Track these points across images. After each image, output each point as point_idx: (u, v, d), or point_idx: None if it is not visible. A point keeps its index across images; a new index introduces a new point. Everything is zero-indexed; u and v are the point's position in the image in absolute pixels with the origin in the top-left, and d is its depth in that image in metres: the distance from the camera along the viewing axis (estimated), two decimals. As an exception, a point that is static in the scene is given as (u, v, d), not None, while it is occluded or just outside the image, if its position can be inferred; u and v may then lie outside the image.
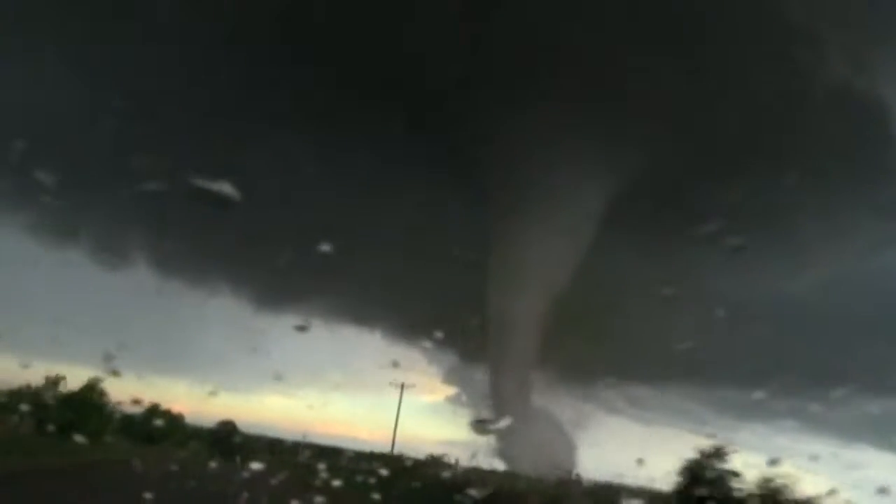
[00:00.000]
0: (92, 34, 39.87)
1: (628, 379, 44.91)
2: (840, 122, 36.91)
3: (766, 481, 16.92)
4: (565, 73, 36.79)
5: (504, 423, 14.30)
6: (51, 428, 27.85)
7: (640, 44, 35.48)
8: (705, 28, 35.29)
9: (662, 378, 45.12)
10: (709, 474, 18.50)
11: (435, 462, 40.04)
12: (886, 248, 52.85)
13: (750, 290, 41.75)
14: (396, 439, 53.75)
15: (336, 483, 13.35)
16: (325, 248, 6.36)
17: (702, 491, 18.21)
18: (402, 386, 53.94)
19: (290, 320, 30.45)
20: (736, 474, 18.27)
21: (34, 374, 33.83)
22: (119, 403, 33.18)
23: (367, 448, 53.32)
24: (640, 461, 13.50)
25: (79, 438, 27.03)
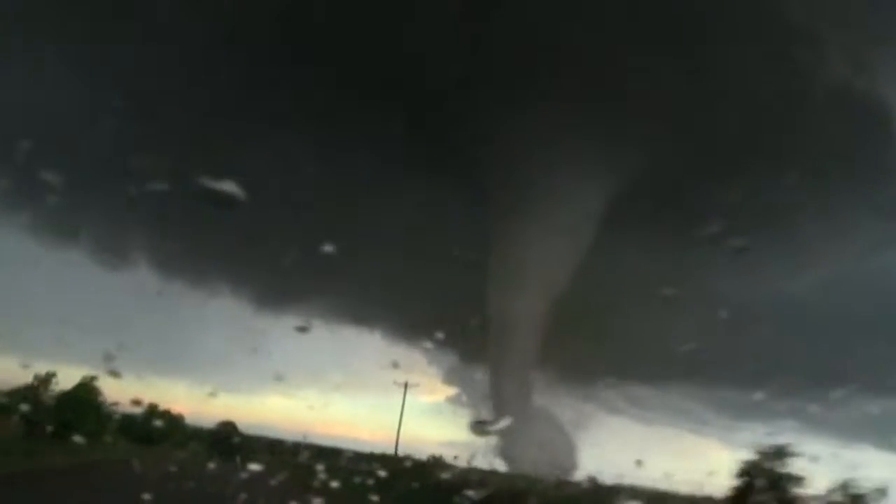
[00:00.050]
0: (92, 34, 39.92)
1: (629, 379, 44.93)
2: (840, 122, 36.90)
3: (840, 488, 15.87)
4: (565, 73, 36.77)
5: (503, 423, 14.27)
6: (47, 428, 27.53)
7: (639, 44, 35.47)
8: (705, 28, 35.28)
9: (663, 378, 45.16)
10: (767, 477, 17.27)
11: (436, 463, 40.02)
12: (887, 249, 52.84)
13: (750, 291, 41.76)
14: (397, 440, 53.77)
15: (334, 484, 13.35)
16: (326, 248, 6.36)
17: (760, 497, 17.01)
18: (406, 385, 53.83)
19: (290, 321, 30.43)
20: (798, 478, 16.87)
21: (34, 374, 33.63)
22: (116, 404, 32.86)
23: (367, 449, 53.27)
24: (638, 462, 13.48)
25: (77, 439, 26.82)
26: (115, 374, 10.83)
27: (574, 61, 35.94)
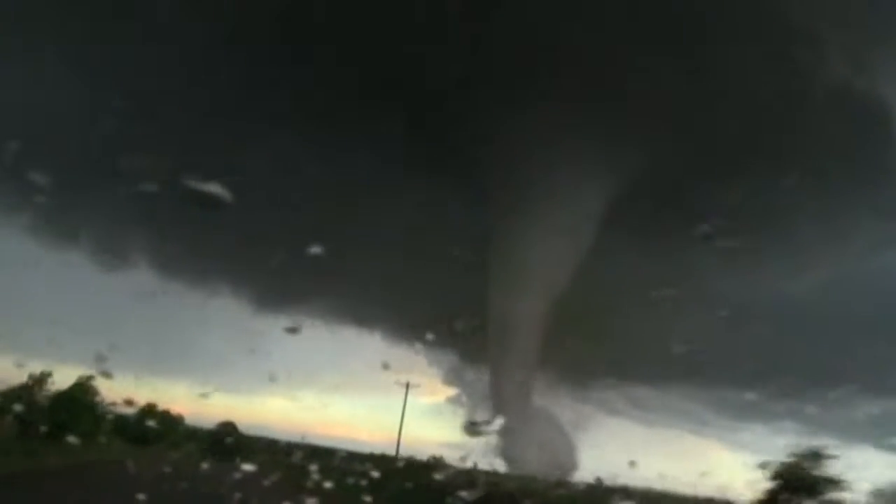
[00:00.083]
0: (91, 34, 39.96)
1: (629, 380, 44.89)
2: (840, 122, 36.80)
3: (879, 494, 15.17)
4: (565, 73, 36.72)
5: (496, 424, 14.19)
6: (41, 428, 27.25)
7: (639, 44, 35.41)
8: (705, 28, 35.20)
9: (663, 379, 45.09)
10: (803, 481, 16.41)
11: (435, 463, 40.00)
12: (887, 249, 52.66)
13: (750, 291, 41.68)
14: (395, 440, 53.57)
15: (328, 484, 13.32)
16: (326, 249, 6.33)
17: (795, 502, 16.16)
18: (408, 385, 53.64)
19: (289, 322, 30.41)
20: (836, 482, 16.03)
21: (28, 373, 33.33)
22: (114, 404, 32.66)
23: (367, 450, 53.16)
24: (632, 463, 13.40)
25: (71, 439, 26.65)
26: (107, 374, 10.78)
27: (574, 61, 35.90)
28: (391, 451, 53.01)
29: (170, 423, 47.92)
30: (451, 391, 59.66)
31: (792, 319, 42.94)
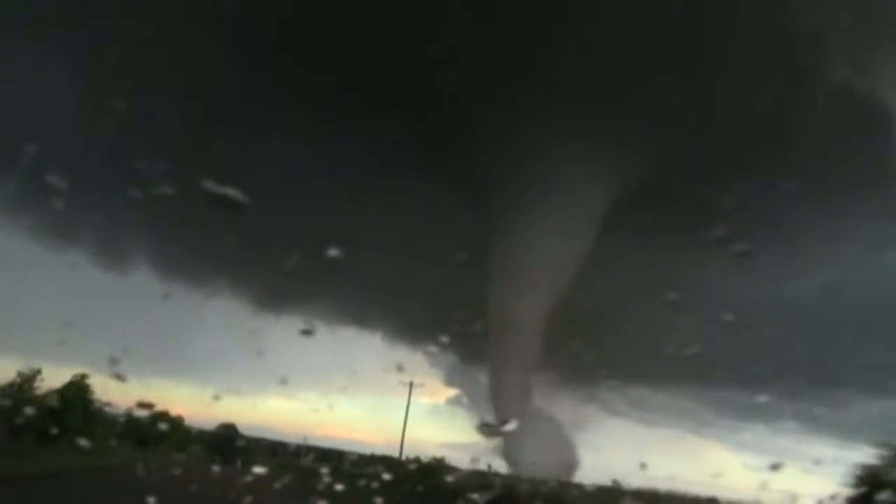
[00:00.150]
0: (94, 37, 39.94)
1: (630, 381, 44.88)
2: (841, 123, 36.92)
3: None
4: (567, 74, 36.82)
5: (511, 426, 14.27)
6: (29, 431, 26.61)
7: (640, 45, 35.49)
8: (707, 30, 35.31)
9: (664, 380, 45.16)
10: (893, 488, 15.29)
11: (439, 465, 39.98)
12: (888, 250, 52.85)
13: (752, 293, 41.76)
14: (396, 441, 53.52)
15: (339, 487, 13.31)
16: (327, 250, 6.38)
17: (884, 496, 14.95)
18: (412, 385, 53.57)
19: (291, 323, 30.37)
20: None
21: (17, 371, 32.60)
22: (108, 404, 32.26)
23: (369, 451, 53.13)
24: (643, 465, 13.43)
25: (83, 442, 26.16)
26: (120, 377, 10.82)
27: (576, 62, 35.99)
28: (392, 452, 53.04)
29: (174, 426, 47.80)
30: (452, 392, 59.77)
31: (793, 320, 43.06)
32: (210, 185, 4.56)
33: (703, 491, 26.45)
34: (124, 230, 44.00)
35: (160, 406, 43.03)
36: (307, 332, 11.05)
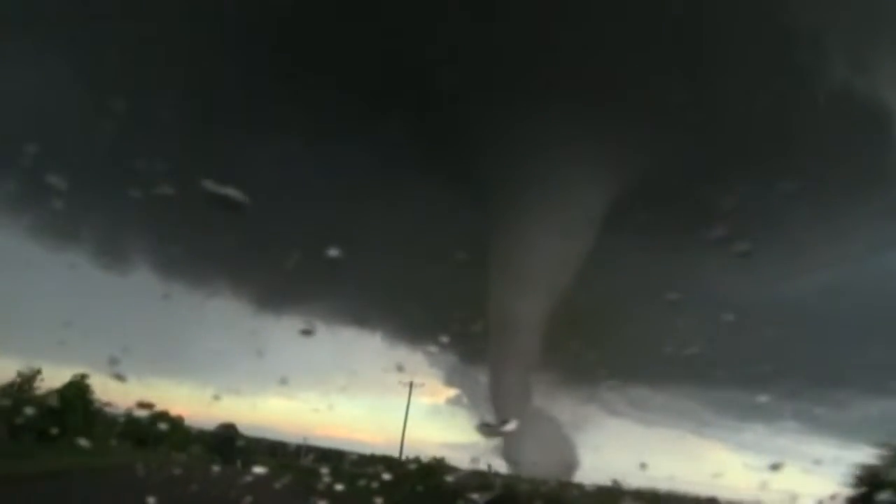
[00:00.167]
0: (93, 37, 39.95)
1: (630, 381, 44.88)
2: (841, 123, 36.92)
3: None
4: (567, 74, 36.81)
5: (511, 426, 14.26)
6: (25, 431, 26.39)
7: (640, 45, 35.49)
8: (707, 30, 35.31)
9: (664, 380, 45.16)
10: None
11: (439, 466, 39.97)
12: (888, 250, 52.84)
13: (752, 293, 41.77)
14: (396, 441, 53.47)
15: (339, 487, 13.30)
16: (327, 250, 6.38)
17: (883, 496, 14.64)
18: (412, 385, 53.52)
19: (292, 323, 30.41)
20: None
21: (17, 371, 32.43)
22: (108, 404, 32.11)
23: (369, 451, 53.10)
24: (643, 465, 13.43)
25: (83, 442, 26.02)
26: (120, 377, 10.83)
27: (576, 62, 35.99)
28: (392, 452, 53.00)
29: (173, 426, 47.76)
30: (452, 392, 59.78)
31: (794, 320, 43.05)
32: (210, 185, 4.56)
33: (704, 491, 26.47)
34: (125, 230, 44.02)
35: (160, 406, 43.00)
36: (307, 332, 11.04)
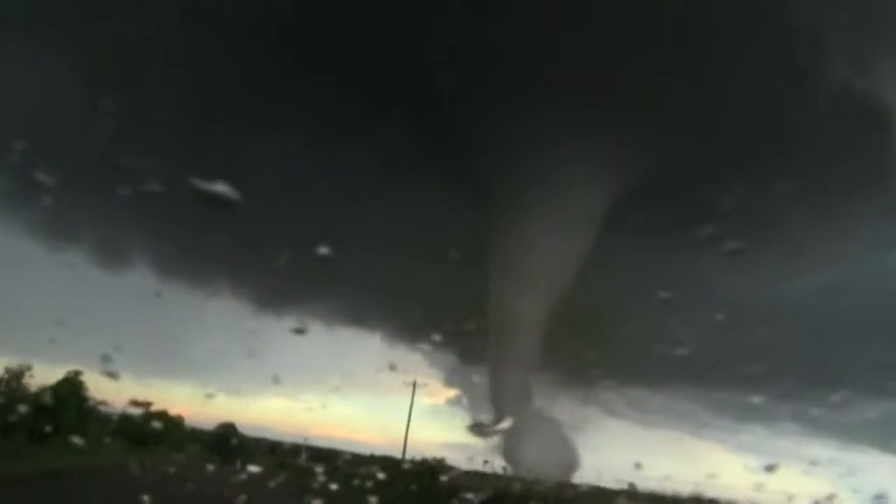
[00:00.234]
0: (91, 35, 39.96)
1: (629, 381, 44.84)
2: (840, 123, 36.88)
3: None
4: (566, 74, 36.80)
5: (504, 425, 14.20)
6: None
7: (639, 45, 35.47)
8: (707, 30, 35.28)
9: (663, 381, 45.11)
10: None
11: (439, 466, 39.93)
12: (888, 250, 52.68)
13: (750, 293, 41.74)
14: (396, 441, 53.41)
15: (333, 487, 13.28)
16: (326, 250, 6.35)
17: None
18: (415, 385, 53.36)
19: (290, 323, 30.25)
20: None
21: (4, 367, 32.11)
22: (104, 403, 31.86)
23: (368, 451, 53.04)
24: (637, 465, 13.39)
25: (77, 440, 25.84)
26: (112, 375, 10.80)
27: (576, 62, 35.97)
28: (391, 452, 52.93)
29: (172, 425, 47.72)
30: (452, 392, 59.76)
31: (793, 321, 42.96)
32: (208, 186, 4.54)
33: (704, 492, 26.40)
34: (124, 230, 44.10)
35: (159, 405, 43.05)
36: (299, 331, 11.03)
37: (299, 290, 38.11)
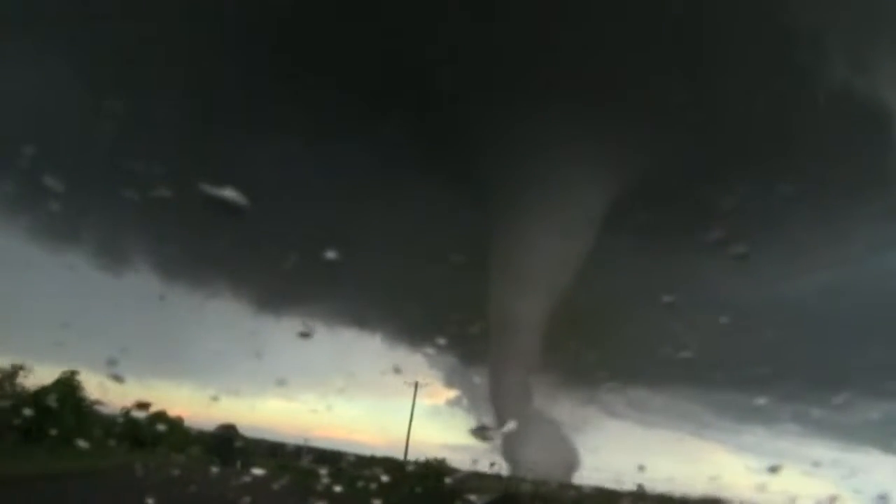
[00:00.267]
0: (93, 38, 39.95)
1: (630, 382, 44.79)
2: (840, 124, 36.91)
3: None
4: (567, 74, 36.82)
5: (507, 428, 14.19)
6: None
7: (640, 46, 35.49)
8: (707, 30, 35.30)
9: (664, 382, 45.07)
10: None
11: (440, 467, 39.92)
12: (888, 251, 52.68)
13: (752, 294, 41.68)
14: (397, 443, 53.27)
15: (337, 489, 13.29)
16: (327, 251, 6.35)
17: None
18: (416, 385, 53.22)
19: (291, 324, 30.30)
20: None
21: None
22: (98, 404, 31.67)
23: (369, 452, 52.97)
24: (641, 467, 13.37)
25: (82, 443, 25.63)
26: (118, 378, 10.80)
27: (576, 63, 36.00)
28: (393, 453, 52.77)
29: (173, 427, 47.59)
30: (452, 393, 59.67)
31: (794, 322, 42.97)
32: (209, 188, 4.53)
33: (705, 493, 26.40)
34: (125, 232, 44.05)
35: (160, 407, 42.88)
36: (305, 335, 11.01)
37: (300, 291, 38.11)
